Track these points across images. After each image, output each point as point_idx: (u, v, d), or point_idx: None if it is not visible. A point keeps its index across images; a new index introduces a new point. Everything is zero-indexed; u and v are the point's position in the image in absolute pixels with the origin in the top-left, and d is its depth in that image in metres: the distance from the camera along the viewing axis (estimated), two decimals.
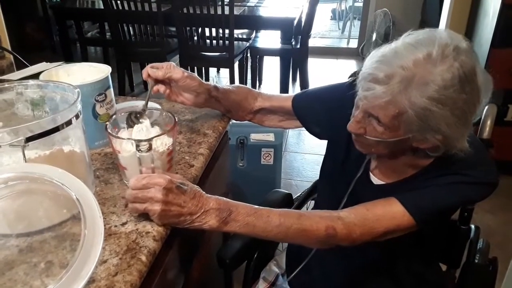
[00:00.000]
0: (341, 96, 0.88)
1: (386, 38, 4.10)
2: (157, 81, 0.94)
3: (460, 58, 0.69)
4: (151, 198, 0.68)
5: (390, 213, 0.79)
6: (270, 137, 2.03)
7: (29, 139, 0.62)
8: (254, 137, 2.03)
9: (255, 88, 1.17)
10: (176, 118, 0.79)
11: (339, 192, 0.93)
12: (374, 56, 0.76)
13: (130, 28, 3.00)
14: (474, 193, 0.80)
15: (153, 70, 0.93)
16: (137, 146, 0.71)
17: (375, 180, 0.91)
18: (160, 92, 0.96)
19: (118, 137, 0.75)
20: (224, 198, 0.76)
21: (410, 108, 0.71)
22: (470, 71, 0.70)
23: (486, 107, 0.99)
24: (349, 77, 1.02)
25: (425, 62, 0.69)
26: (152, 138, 0.73)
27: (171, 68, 0.93)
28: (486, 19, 2.37)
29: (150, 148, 0.71)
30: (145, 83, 3.78)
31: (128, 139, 0.73)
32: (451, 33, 0.73)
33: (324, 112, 0.99)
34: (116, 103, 1.00)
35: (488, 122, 0.99)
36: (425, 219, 0.80)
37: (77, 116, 0.69)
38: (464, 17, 2.62)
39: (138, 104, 1.17)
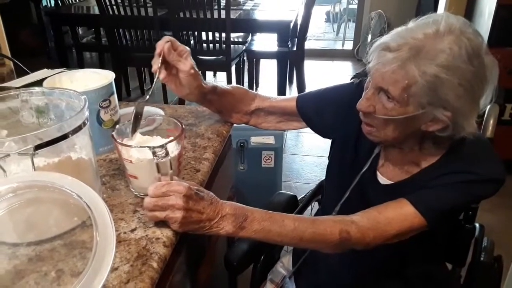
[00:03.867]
0: (349, 96, 0.88)
1: None
2: (164, 61, 0.89)
3: (466, 35, 0.72)
4: (172, 205, 0.68)
5: (401, 215, 0.79)
6: (271, 140, 2.03)
7: (37, 147, 0.62)
8: (254, 140, 2.03)
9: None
10: (183, 124, 0.79)
11: (344, 187, 0.94)
12: (387, 34, 0.79)
13: (126, 33, 2.98)
14: (483, 191, 0.81)
15: (168, 49, 0.87)
16: (154, 153, 0.70)
17: (382, 179, 0.92)
18: (159, 78, 0.91)
19: (130, 146, 0.74)
20: (238, 204, 0.76)
21: (420, 77, 0.72)
22: (477, 47, 0.72)
23: (489, 106, 0.99)
24: (352, 78, 1.02)
25: (434, 35, 0.73)
26: (167, 143, 0.72)
27: (183, 57, 0.89)
28: (481, 19, 2.39)
29: (167, 154, 0.70)
30: (142, 89, 3.79)
31: (142, 146, 0.73)
32: (459, 17, 0.76)
33: (331, 112, 0.99)
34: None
35: (491, 121, 1.00)
36: (436, 219, 0.80)
37: (84, 123, 0.68)
38: None
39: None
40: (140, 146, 0.73)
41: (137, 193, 0.81)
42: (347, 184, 0.94)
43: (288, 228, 0.77)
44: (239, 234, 0.75)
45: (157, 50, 0.88)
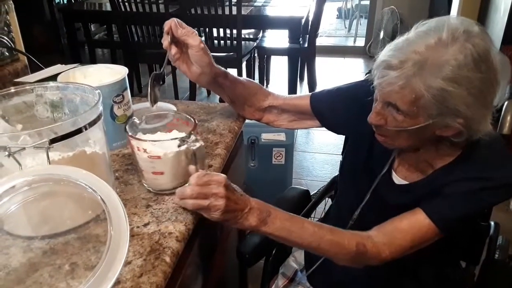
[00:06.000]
0: (363, 93, 0.87)
1: (393, 36, 4.08)
2: (173, 40, 0.90)
3: (471, 40, 0.69)
4: (216, 194, 0.71)
5: (415, 226, 0.80)
6: (281, 136, 2.03)
7: (52, 141, 0.62)
8: (265, 137, 2.03)
9: None
10: (195, 120, 0.79)
11: (362, 189, 0.93)
12: (388, 46, 0.77)
13: (138, 29, 3.00)
14: (497, 197, 0.80)
15: (175, 25, 0.88)
16: (184, 141, 0.73)
17: (397, 179, 0.91)
18: (171, 54, 0.91)
19: (147, 140, 0.75)
20: (261, 201, 0.78)
21: (426, 91, 0.70)
22: (483, 52, 0.70)
23: (506, 103, 0.98)
24: (366, 74, 1.02)
25: (436, 46, 0.70)
26: (191, 130, 0.74)
27: (191, 33, 0.89)
28: (496, 16, 2.36)
29: (197, 140, 0.73)
30: None
31: (173, 139, 0.74)
32: (462, 18, 0.73)
33: (345, 109, 0.99)
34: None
35: (508, 118, 0.98)
36: (450, 228, 0.81)
37: (98, 117, 0.69)
38: (474, 14, 2.60)
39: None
40: (172, 139, 0.74)
41: (150, 188, 0.81)
42: (364, 184, 0.93)
43: (308, 231, 0.79)
44: (261, 229, 0.76)
45: (165, 28, 0.89)
